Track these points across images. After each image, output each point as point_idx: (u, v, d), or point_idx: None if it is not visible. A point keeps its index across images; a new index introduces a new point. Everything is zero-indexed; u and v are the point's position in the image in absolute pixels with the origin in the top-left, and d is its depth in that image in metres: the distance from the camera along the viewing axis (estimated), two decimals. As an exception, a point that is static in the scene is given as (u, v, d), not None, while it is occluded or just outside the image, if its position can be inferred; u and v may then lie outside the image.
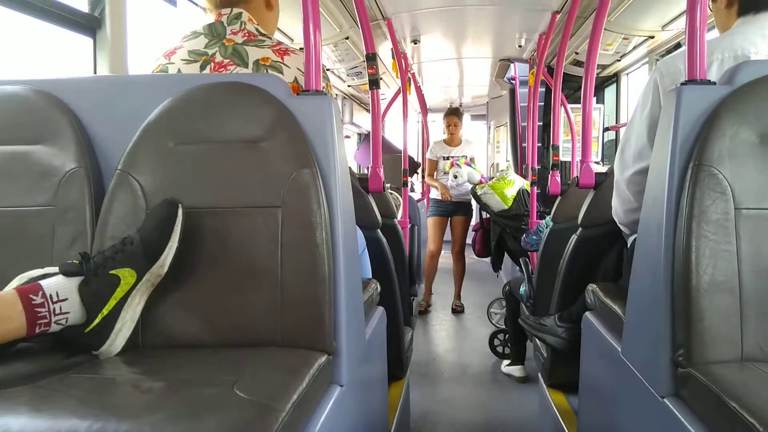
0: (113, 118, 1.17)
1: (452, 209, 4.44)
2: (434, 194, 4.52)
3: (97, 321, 0.91)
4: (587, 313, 1.54)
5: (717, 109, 1.01)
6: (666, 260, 1.01)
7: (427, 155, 4.69)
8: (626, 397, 1.20)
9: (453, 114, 4.57)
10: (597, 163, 4.41)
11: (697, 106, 1.03)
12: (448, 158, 4.48)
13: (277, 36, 3.48)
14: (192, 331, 1.02)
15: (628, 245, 1.49)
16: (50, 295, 0.87)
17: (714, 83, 1.06)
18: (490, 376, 3.03)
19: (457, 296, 4.56)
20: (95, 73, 1.74)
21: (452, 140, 4.58)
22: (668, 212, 1.01)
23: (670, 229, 1.01)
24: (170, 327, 1.02)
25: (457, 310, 4.47)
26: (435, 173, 4.59)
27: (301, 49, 1.22)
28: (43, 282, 0.88)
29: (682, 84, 1.06)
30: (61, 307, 0.88)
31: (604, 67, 4.43)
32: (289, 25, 3.36)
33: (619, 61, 4.23)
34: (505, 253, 3.72)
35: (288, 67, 1.30)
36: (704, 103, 1.03)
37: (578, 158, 3.45)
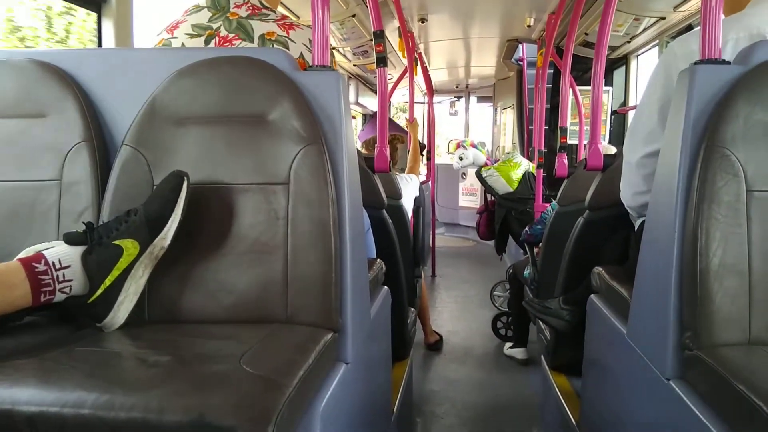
0: (118, 91, 1.16)
1: None
2: None
3: (99, 292, 0.91)
4: (593, 296, 1.54)
5: (731, 89, 0.99)
6: (675, 242, 0.99)
7: None
8: (631, 379, 1.19)
9: None
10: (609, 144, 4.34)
11: (710, 86, 1.01)
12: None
13: (283, 12, 3.45)
14: (198, 307, 1.02)
15: (636, 228, 1.48)
16: (53, 263, 0.86)
17: (728, 63, 1.04)
18: (492, 358, 3.04)
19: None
20: (100, 46, 1.73)
21: None
22: (679, 193, 1.00)
23: (680, 211, 0.99)
24: (176, 302, 1.02)
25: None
26: None
27: (308, 26, 1.20)
28: (45, 251, 0.88)
29: (695, 63, 1.04)
30: (64, 275, 0.87)
31: (613, 48, 4.36)
32: (295, 1, 3.32)
33: (629, 42, 4.17)
34: (509, 236, 3.71)
35: (294, 42, 1.28)
36: (718, 83, 1.01)
37: (585, 141, 3.43)
